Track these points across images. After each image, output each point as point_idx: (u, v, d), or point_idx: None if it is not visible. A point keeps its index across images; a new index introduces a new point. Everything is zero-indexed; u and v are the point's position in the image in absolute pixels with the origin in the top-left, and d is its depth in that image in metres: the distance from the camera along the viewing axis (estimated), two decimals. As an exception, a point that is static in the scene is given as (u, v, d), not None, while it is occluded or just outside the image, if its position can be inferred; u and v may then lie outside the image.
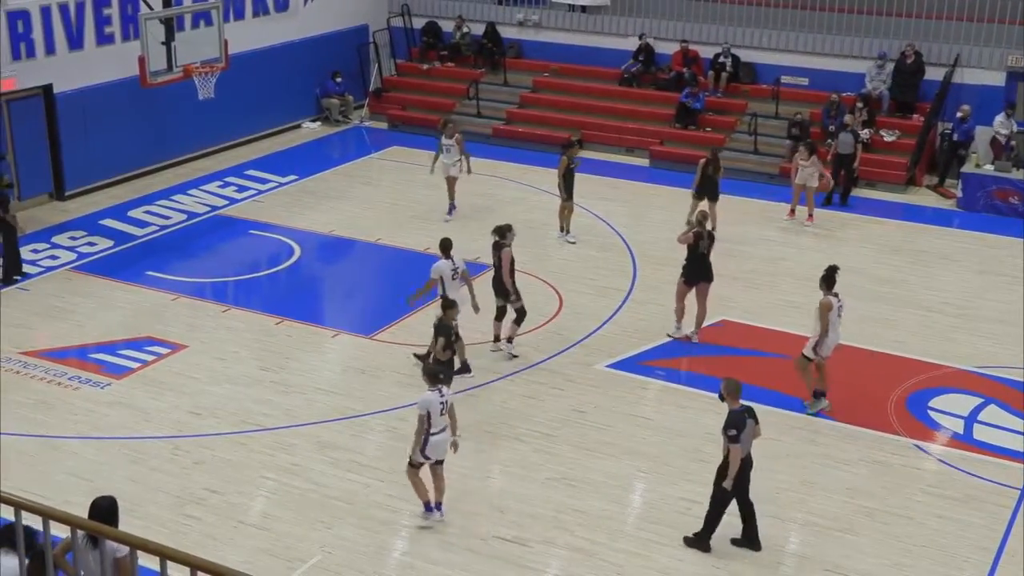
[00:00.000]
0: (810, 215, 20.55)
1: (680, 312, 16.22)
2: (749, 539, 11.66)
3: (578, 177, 23.57)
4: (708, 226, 16.35)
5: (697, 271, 15.93)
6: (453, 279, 14.92)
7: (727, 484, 11.27)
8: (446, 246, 15.15)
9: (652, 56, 26.21)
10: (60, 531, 5.48)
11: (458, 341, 14.16)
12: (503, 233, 15.59)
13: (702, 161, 19.93)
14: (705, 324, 16.19)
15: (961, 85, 23.54)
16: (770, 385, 14.82)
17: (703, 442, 13.57)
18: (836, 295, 14.02)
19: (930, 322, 17.04)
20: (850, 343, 16.23)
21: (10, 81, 20.25)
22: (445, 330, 13.53)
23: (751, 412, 11.39)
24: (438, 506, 11.99)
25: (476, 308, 15.07)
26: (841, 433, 13.92)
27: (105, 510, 8.33)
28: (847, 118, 22.38)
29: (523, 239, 19.97)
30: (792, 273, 18.65)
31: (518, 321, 15.62)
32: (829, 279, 14.07)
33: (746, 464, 11.31)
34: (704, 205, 19.20)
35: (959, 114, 22.76)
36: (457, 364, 14.35)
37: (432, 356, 13.58)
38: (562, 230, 20.04)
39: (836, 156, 21.59)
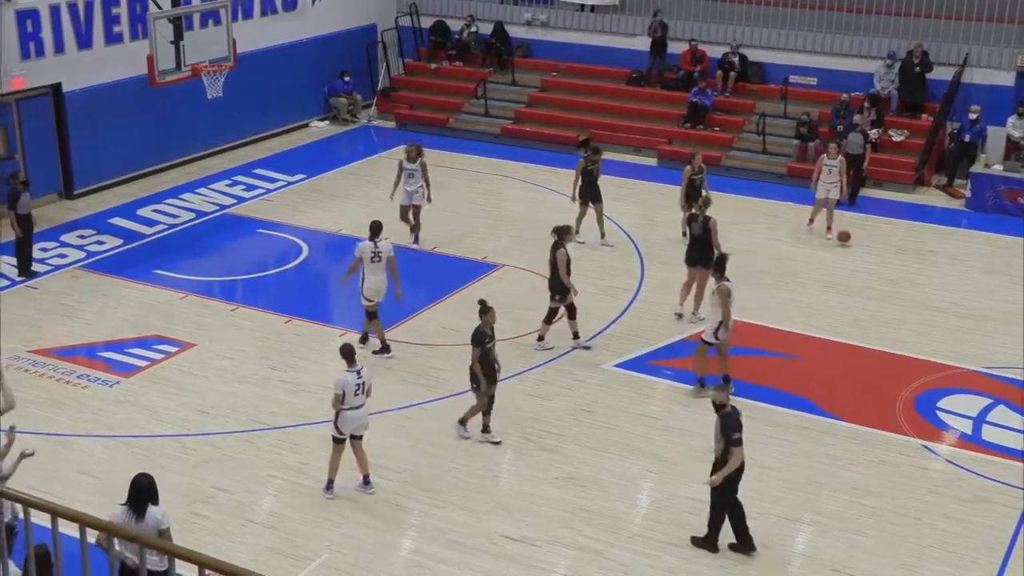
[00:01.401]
0: (829, 227, 20.07)
1: (682, 293, 16.78)
2: (743, 542, 11.59)
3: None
4: (709, 212, 16.74)
5: (691, 254, 16.62)
6: (373, 261, 15.02)
7: (715, 480, 11.28)
8: (374, 227, 15.41)
9: (666, 33, 25.90)
10: (67, 528, 5.48)
11: (374, 320, 15.22)
12: (561, 234, 15.72)
13: (687, 169, 19.27)
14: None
15: (970, 85, 23.48)
16: (778, 385, 14.82)
17: (710, 442, 13.54)
18: (729, 280, 14.32)
19: (938, 322, 17.00)
20: (859, 343, 16.25)
21: (19, 80, 20.31)
22: (479, 338, 13.20)
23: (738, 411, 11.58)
24: (366, 479, 12.50)
25: (399, 295, 15.36)
26: (849, 433, 13.90)
27: (144, 487, 9.23)
28: (856, 118, 22.33)
29: (531, 238, 20.00)
30: (801, 273, 18.63)
31: (572, 316, 15.94)
32: (721, 265, 14.35)
33: (741, 467, 11.33)
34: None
35: (971, 115, 22.69)
36: (378, 345, 15.47)
37: (470, 367, 13.41)
38: (602, 236, 19.72)
39: (845, 156, 21.48)
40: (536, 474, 12.97)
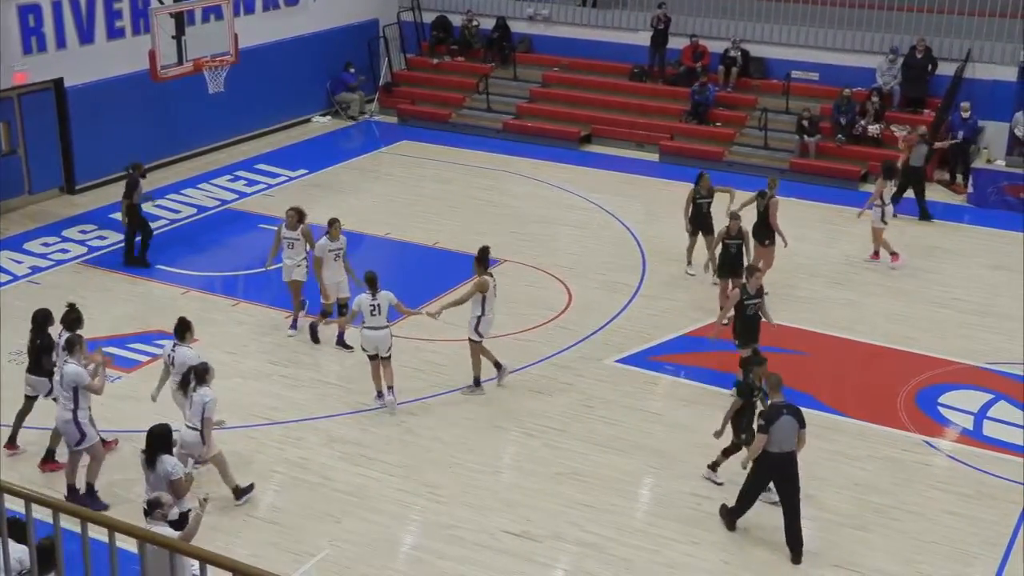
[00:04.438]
0: (893, 254, 18.76)
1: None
2: (731, 518, 11.82)
3: (591, 172, 23.64)
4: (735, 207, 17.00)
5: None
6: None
7: (745, 462, 11.51)
8: (332, 221, 15.51)
9: (668, 27, 25.69)
10: (68, 524, 5.48)
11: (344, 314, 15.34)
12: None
13: (691, 191, 17.90)
14: (717, 321, 15.87)
15: (973, 80, 23.45)
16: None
17: (711, 437, 13.56)
18: (491, 275, 14.36)
19: (940, 318, 16.99)
20: (861, 339, 16.24)
21: (21, 75, 20.30)
22: (746, 390, 12.09)
23: (794, 411, 11.17)
24: (388, 390, 14.02)
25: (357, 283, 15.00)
26: (851, 429, 13.89)
27: (156, 435, 10.22)
28: (921, 128, 21.47)
29: (532, 234, 20.02)
30: (805, 269, 18.59)
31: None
32: (483, 259, 14.36)
33: (773, 460, 11.15)
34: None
35: (963, 113, 22.62)
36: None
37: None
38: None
39: (908, 168, 20.69)
40: (538, 469, 12.97)
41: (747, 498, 11.58)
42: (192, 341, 12.83)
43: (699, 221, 17.82)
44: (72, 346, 11.84)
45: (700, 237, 17.85)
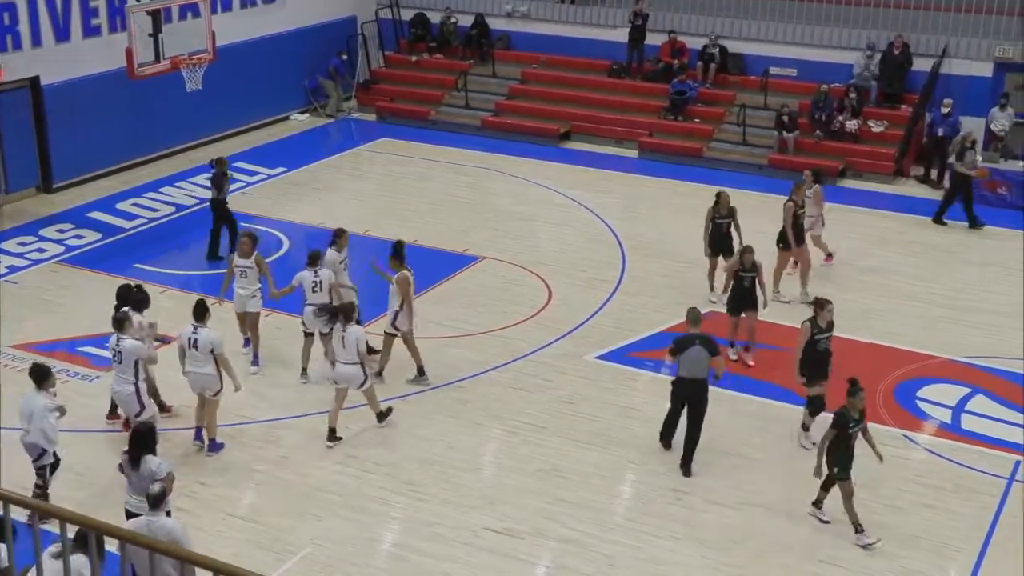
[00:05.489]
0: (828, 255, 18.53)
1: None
2: (683, 463, 12.77)
3: (570, 170, 23.66)
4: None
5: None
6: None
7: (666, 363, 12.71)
8: (340, 232, 15.22)
9: (646, 23, 25.72)
10: (49, 526, 5.45)
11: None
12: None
13: (708, 211, 17.04)
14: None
15: (949, 76, 23.57)
16: (760, 376, 14.85)
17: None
18: (409, 269, 14.45)
19: (918, 312, 17.08)
20: (840, 334, 16.27)
21: (-3, 73, 20.18)
22: (842, 421, 11.48)
23: (705, 341, 12.52)
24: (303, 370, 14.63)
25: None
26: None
27: (140, 435, 10.27)
28: (971, 133, 21.09)
29: (511, 232, 20.02)
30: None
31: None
32: (399, 253, 14.45)
33: (685, 384, 12.55)
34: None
35: (943, 109, 22.73)
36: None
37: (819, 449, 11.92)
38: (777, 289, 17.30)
39: (958, 176, 20.48)
40: (519, 466, 12.97)
41: (669, 420, 12.98)
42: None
43: (718, 242, 16.92)
44: (121, 323, 12.50)
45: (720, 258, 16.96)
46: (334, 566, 11.15)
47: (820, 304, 13.13)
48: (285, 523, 11.81)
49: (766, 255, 18.91)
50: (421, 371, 14.68)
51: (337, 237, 15.11)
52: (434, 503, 12.20)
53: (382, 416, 13.60)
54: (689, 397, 12.63)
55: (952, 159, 20.87)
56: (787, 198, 17.12)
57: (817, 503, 12.05)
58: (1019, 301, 17.43)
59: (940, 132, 22.68)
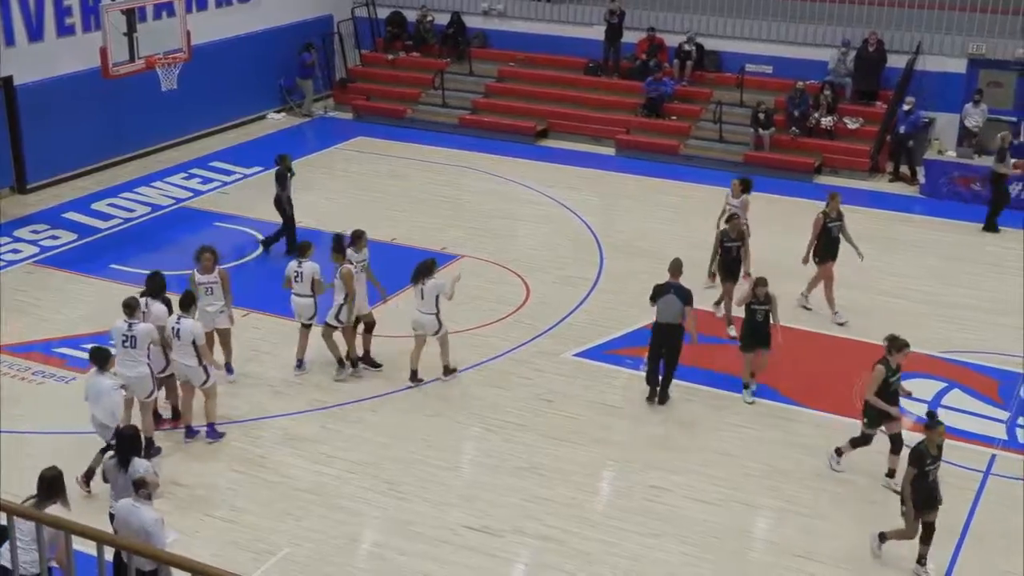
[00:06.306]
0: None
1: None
2: (660, 392, 14.19)
3: (547, 167, 23.68)
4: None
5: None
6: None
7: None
8: (359, 234, 15.02)
9: (622, 21, 25.70)
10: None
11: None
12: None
13: (717, 233, 16.63)
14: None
15: (923, 72, 23.71)
16: (738, 372, 14.88)
17: (670, 429, 13.66)
18: (351, 262, 14.49)
19: (894, 308, 17.17)
20: (818, 330, 16.38)
21: (-31, 74, 20.04)
22: (919, 457, 10.91)
23: (680, 292, 13.80)
24: (299, 363, 14.87)
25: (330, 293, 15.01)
26: (808, 419, 14.03)
27: (127, 438, 10.31)
28: (1006, 135, 20.67)
29: (489, 230, 20.03)
30: (759, 261, 18.65)
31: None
32: (340, 247, 14.59)
33: (660, 328, 13.93)
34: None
35: (905, 106, 22.82)
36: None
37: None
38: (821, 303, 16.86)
39: (995, 176, 20.37)
40: (498, 464, 12.98)
41: (651, 357, 14.16)
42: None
43: (728, 267, 16.14)
44: (132, 308, 12.65)
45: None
46: (313, 566, 11.13)
47: (897, 346, 12.29)
48: (264, 523, 11.78)
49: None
50: (342, 363, 14.73)
51: (356, 239, 14.92)
52: (413, 501, 12.19)
53: (447, 371, 14.69)
54: (663, 339, 14.00)
55: (993, 163, 20.62)
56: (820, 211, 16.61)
57: (920, 560, 11.17)
58: (995, 296, 17.56)
59: (902, 129, 22.74)
